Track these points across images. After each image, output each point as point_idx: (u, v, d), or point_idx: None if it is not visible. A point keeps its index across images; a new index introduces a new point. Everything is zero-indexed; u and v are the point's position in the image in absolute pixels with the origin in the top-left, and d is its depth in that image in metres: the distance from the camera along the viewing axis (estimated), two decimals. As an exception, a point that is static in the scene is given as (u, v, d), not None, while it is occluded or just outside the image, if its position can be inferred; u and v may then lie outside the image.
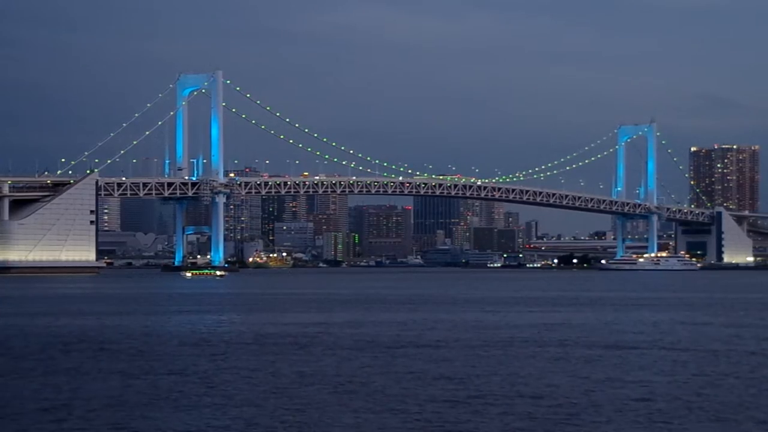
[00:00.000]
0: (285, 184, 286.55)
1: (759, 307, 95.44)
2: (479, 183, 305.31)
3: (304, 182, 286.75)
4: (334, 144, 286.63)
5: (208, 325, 67.95)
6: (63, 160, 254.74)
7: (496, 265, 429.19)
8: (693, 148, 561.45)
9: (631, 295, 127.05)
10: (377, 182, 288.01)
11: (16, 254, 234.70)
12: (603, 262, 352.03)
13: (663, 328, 65.53)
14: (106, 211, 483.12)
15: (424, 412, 30.59)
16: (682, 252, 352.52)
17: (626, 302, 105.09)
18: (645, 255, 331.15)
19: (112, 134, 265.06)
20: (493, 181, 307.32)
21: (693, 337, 58.52)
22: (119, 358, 45.74)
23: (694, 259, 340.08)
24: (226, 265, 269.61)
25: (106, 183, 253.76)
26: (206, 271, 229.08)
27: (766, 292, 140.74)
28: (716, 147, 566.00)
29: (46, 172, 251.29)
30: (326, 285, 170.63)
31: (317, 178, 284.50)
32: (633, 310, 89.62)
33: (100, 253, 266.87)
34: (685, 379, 38.22)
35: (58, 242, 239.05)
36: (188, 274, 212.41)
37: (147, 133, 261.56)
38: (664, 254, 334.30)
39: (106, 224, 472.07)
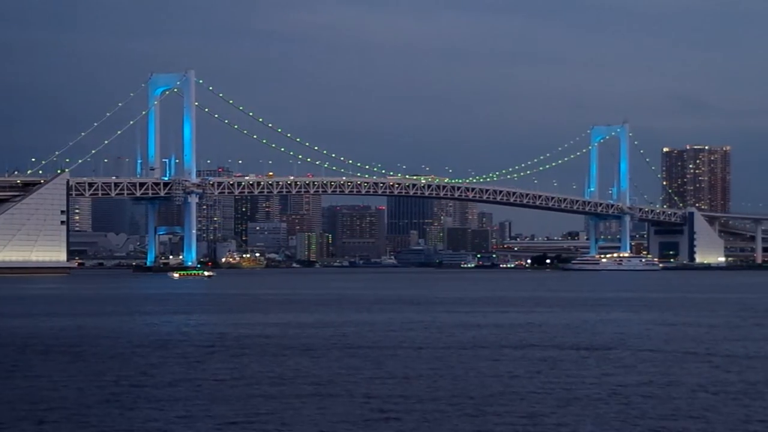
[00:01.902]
0: (258, 184, 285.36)
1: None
2: (453, 183, 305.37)
3: (278, 182, 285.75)
4: (307, 144, 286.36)
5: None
6: (33, 159, 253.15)
7: (469, 265, 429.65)
8: (665, 149, 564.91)
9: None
10: (350, 182, 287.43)
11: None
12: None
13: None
14: (77, 211, 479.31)
15: (402, 412, 30.01)
16: (644, 252, 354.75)
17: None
18: (607, 255, 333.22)
19: (83, 133, 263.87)
20: (467, 181, 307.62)
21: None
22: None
23: (656, 259, 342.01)
24: (198, 266, 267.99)
25: (77, 183, 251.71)
26: (194, 271, 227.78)
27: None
28: (688, 148, 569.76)
29: (15, 172, 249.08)
30: (306, 285, 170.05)
31: (290, 178, 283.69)
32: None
33: (71, 254, 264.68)
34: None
35: (29, 243, 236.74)
36: (176, 275, 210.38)
37: (119, 132, 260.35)
38: (626, 255, 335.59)
39: (77, 224, 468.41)
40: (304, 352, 47.62)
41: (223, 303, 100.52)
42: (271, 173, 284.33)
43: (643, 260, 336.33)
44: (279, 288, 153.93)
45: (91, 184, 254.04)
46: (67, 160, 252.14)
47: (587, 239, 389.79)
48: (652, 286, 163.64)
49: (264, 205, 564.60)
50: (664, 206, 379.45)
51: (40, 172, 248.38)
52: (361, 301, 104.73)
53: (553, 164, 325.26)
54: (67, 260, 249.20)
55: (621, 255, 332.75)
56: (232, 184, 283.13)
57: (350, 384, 36.07)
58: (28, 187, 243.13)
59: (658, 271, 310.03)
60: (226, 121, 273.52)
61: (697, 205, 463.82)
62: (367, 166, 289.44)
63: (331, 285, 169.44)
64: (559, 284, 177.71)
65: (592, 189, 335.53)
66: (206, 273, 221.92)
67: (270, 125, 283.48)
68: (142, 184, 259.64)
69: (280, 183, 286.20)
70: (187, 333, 60.26)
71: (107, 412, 30.25)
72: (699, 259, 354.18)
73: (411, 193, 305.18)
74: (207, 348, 50.06)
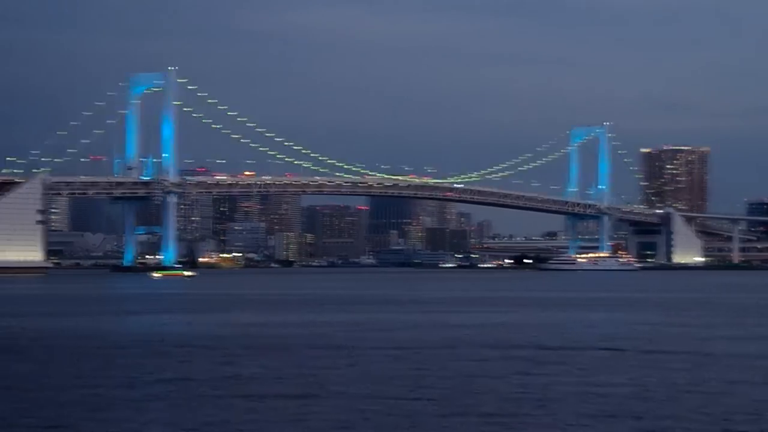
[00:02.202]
0: (237, 184, 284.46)
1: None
2: (433, 183, 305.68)
3: (257, 182, 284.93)
4: (287, 143, 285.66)
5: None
6: (9, 159, 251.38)
7: (448, 265, 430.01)
8: (644, 150, 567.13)
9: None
10: (330, 182, 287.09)
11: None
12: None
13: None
14: (54, 211, 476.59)
15: (383, 414, 29.75)
16: (621, 252, 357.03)
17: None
18: (583, 255, 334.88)
19: (60, 133, 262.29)
20: (447, 181, 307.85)
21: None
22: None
23: (633, 259, 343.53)
24: (179, 266, 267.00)
25: (55, 183, 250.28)
26: (175, 271, 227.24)
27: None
28: (666, 148, 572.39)
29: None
30: (287, 285, 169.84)
31: (268, 178, 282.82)
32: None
33: (48, 254, 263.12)
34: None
35: (5, 242, 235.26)
36: (156, 275, 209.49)
37: (97, 132, 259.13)
38: (603, 255, 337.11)
39: (54, 224, 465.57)
40: (287, 352, 47.33)
41: (205, 302, 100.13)
42: (247, 173, 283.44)
43: (620, 260, 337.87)
44: (261, 288, 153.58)
45: (68, 184, 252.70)
46: (44, 159, 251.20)
47: (566, 239, 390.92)
48: (628, 286, 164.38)
49: (243, 205, 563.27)
50: (642, 206, 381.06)
51: (17, 171, 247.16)
52: (343, 301, 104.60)
53: (533, 165, 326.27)
54: (45, 260, 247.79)
55: (597, 255, 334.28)
56: (211, 184, 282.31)
57: (333, 384, 35.76)
58: (4, 187, 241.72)
59: (633, 271, 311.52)
60: (208, 121, 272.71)
61: (674, 205, 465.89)
62: (346, 166, 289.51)
63: (312, 285, 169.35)
64: (537, 284, 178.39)
65: (571, 189, 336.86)
66: (187, 273, 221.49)
67: (250, 125, 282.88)
68: (120, 184, 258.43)
69: (259, 183, 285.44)
70: (169, 333, 59.82)
71: (84, 413, 29.83)
72: (677, 259, 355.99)
73: (391, 193, 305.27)
74: (188, 348, 49.64)
